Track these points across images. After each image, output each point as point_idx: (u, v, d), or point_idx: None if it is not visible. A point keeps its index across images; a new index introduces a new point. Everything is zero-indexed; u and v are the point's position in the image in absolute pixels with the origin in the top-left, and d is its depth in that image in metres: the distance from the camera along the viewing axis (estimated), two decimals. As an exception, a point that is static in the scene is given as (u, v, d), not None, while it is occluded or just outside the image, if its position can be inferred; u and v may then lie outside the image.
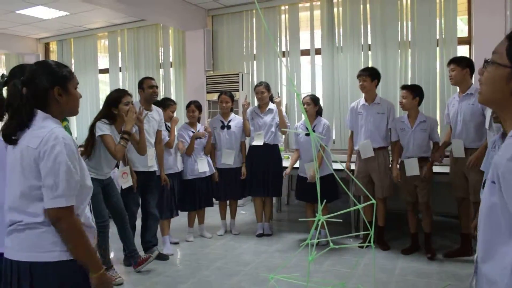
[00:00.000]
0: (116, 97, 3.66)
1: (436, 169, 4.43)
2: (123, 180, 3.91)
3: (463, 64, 4.00)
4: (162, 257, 4.29)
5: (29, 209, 1.63)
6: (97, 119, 3.64)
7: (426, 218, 4.30)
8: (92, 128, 3.62)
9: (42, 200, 1.62)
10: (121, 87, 7.99)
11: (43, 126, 1.65)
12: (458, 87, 4.20)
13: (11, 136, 1.68)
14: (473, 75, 4.11)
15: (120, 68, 8.11)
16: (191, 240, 4.85)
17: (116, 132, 3.67)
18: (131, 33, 7.86)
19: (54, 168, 1.59)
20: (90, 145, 3.59)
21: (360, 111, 4.54)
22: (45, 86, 1.68)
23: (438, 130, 4.54)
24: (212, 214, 5.24)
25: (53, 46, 9.20)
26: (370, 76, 4.43)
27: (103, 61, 8.54)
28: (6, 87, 2.06)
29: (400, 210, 4.93)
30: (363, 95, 4.58)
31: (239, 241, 4.88)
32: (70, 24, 7.85)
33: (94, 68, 8.40)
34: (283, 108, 6.16)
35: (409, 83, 5.71)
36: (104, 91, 8.42)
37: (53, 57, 9.02)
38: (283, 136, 5.63)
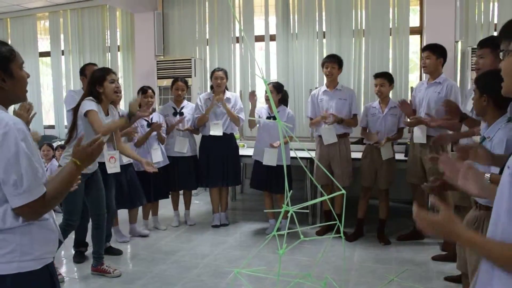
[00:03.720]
0: (101, 76, 3.37)
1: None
2: (110, 164, 3.62)
3: (438, 53, 4.03)
4: (115, 251, 4.09)
5: None
6: (82, 99, 3.35)
7: (384, 204, 4.36)
8: (76, 109, 3.33)
9: None
10: (63, 71, 7.56)
11: None
12: (426, 74, 4.19)
13: None
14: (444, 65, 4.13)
15: (62, 51, 7.62)
16: (147, 233, 4.64)
17: (103, 112, 3.39)
18: (75, 14, 7.38)
19: (13, 160, 1.39)
20: (74, 129, 3.35)
21: (322, 98, 4.49)
22: None
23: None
24: (164, 204, 5.05)
25: (-14, 26, 8.50)
26: (338, 63, 4.41)
27: (43, 44, 8.00)
28: None
29: (351, 196, 4.97)
30: (324, 82, 4.55)
31: (195, 232, 4.74)
32: (5, 3, 7.25)
33: (34, 50, 7.83)
34: (238, 93, 6.03)
35: (363, 71, 5.82)
36: (47, 75, 7.92)
37: (-13, 38, 8.34)
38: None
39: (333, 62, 4.40)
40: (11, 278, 1.43)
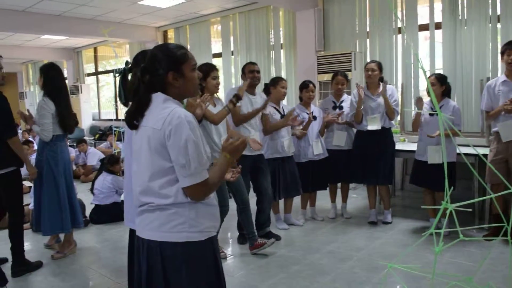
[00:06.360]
0: (205, 71, 3.69)
1: None
2: None
3: None
4: (274, 237, 4.34)
5: (160, 191, 1.68)
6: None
7: None
8: None
9: (172, 182, 1.67)
10: (233, 71, 8.26)
11: (165, 107, 1.68)
12: None
13: (132, 121, 1.75)
14: None
15: (232, 52, 8.32)
16: (300, 224, 4.83)
17: (210, 104, 3.74)
18: (243, 16, 8.00)
19: (183, 147, 1.63)
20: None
21: (500, 89, 4.01)
22: (160, 72, 1.71)
23: None
24: (322, 196, 5.18)
25: (171, 34, 9.74)
26: None
27: (216, 46, 8.84)
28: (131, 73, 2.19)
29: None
30: (498, 72, 4.08)
31: (351, 225, 4.77)
32: (185, 12, 8.22)
33: (208, 53, 8.72)
34: (399, 89, 5.84)
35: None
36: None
37: (171, 43, 9.54)
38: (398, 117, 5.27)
39: None
40: (182, 246, 1.69)
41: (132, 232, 2.52)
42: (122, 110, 11.22)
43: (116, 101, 11.39)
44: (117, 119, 11.31)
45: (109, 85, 12.36)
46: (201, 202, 1.73)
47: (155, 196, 1.69)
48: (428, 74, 4.51)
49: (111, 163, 5.47)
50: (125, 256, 2.77)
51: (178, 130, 1.63)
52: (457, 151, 4.19)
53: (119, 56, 11.56)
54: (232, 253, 4.09)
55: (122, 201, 5.12)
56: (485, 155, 4.17)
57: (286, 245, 4.23)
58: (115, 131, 9.57)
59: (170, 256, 1.68)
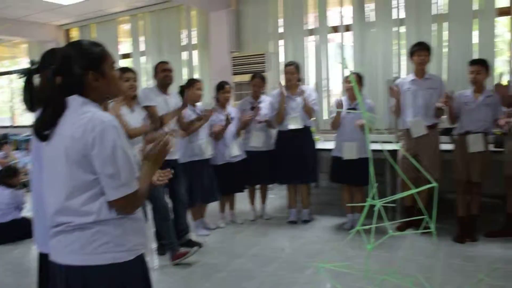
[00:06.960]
0: None
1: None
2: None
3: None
4: (195, 244, 4.18)
5: (81, 208, 1.46)
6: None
7: (476, 198, 4.09)
8: None
9: (95, 197, 1.47)
10: (143, 71, 7.92)
11: (84, 111, 1.48)
12: None
13: (43, 132, 1.51)
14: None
15: (142, 52, 7.98)
16: (223, 226, 4.75)
17: (127, 109, 3.59)
18: (153, 16, 7.68)
19: (110, 155, 1.44)
20: None
21: (409, 87, 4.27)
22: (77, 73, 1.51)
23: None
24: (240, 199, 5.11)
25: (74, 33, 9.10)
26: (429, 51, 4.23)
27: (125, 46, 8.42)
28: (37, 75, 1.93)
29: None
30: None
31: (272, 226, 4.75)
32: (91, 9, 7.72)
33: (116, 53, 8.28)
34: (313, 87, 5.96)
35: (446, 59, 5.47)
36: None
37: (75, 43, 8.93)
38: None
39: (426, 50, 4.21)
40: (108, 268, 1.48)
41: (42, 255, 2.22)
42: (22, 117, 10.35)
43: (12, 105, 10.45)
44: (13, 126, 10.35)
45: (2, 88, 11.27)
46: (127, 217, 1.54)
47: (75, 215, 1.47)
48: (347, 74, 4.68)
49: (8, 176, 4.91)
50: (29, 279, 2.46)
51: (104, 137, 1.44)
52: (374, 148, 4.35)
53: (17, 56, 10.61)
54: (150, 266, 3.86)
55: (23, 217, 4.67)
56: (395, 151, 4.38)
57: (208, 252, 4.08)
58: (11, 139, 8.77)
59: (95, 281, 1.48)
